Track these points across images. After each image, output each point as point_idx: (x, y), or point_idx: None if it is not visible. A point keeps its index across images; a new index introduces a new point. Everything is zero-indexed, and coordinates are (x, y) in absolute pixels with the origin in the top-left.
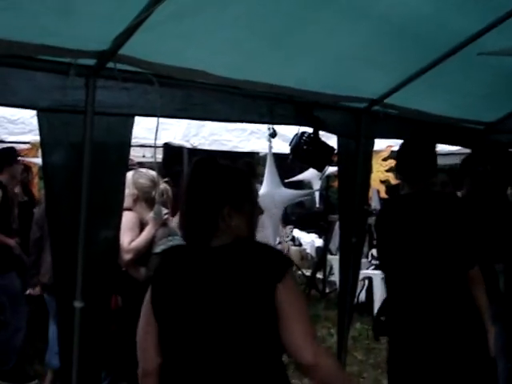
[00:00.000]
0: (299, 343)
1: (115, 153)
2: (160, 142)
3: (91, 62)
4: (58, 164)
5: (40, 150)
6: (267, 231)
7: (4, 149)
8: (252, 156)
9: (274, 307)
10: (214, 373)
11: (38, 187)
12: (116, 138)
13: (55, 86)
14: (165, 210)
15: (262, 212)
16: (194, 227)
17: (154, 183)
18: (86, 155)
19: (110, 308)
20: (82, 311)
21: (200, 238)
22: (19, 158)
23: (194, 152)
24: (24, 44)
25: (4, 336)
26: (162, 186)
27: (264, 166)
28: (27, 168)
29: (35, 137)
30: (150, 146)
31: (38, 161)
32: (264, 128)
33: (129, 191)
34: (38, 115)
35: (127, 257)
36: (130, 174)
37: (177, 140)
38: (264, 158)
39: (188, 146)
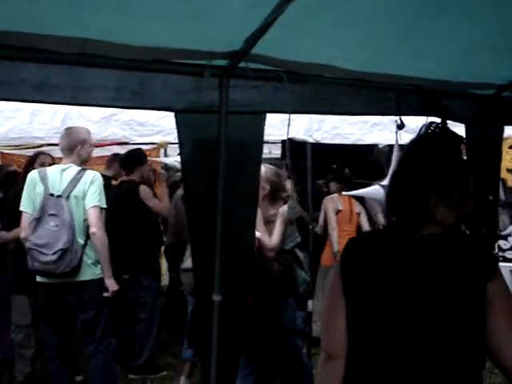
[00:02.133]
0: (501, 344)
1: (249, 149)
2: (284, 138)
3: (224, 62)
4: (194, 162)
5: (162, 150)
6: None
7: (134, 150)
8: (372, 148)
9: (484, 305)
10: (410, 368)
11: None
12: (249, 135)
13: (190, 87)
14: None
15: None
16: (400, 211)
17: (281, 179)
18: (221, 153)
19: (246, 301)
20: (220, 304)
21: (406, 223)
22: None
23: (317, 146)
24: (162, 49)
25: (142, 332)
26: (289, 186)
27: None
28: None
29: (163, 137)
30: (267, 142)
31: (161, 160)
32: (386, 120)
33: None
34: (176, 116)
35: (271, 254)
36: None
37: (300, 135)
38: (382, 150)
39: (311, 140)
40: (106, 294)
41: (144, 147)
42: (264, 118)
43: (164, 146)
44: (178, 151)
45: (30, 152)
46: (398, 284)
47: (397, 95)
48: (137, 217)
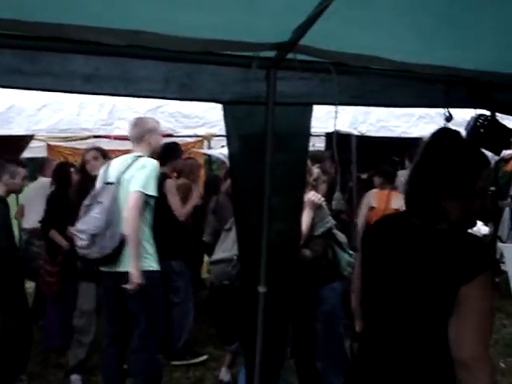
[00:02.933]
0: (463, 339)
1: (296, 141)
2: (328, 131)
3: (271, 54)
4: (241, 154)
5: (206, 142)
6: None
7: (170, 143)
8: (417, 141)
9: (453, 303)
10: (388, 338)
11: (204, 177)
12: (296, 126)
13: (238, 79)
14: (317, 195)
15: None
16: (413, 203)
17: (308, 167)
18: (267, 144)
19: (292, 293)
20: (265, 296)
21: (419, 216)
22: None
23: (362, 139)
24: (210, 40)
25: (179, 317)
26: (316, 170)
27: None
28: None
29: (208, 130)
30: (311, 135)
31: (205, 151)
32: (432, 112)
33: None
34: (223, 108)
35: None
36: None
37: (344, 128)
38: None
39: (356, 133)
40: (125, 286)
41: (188, 139)
42: (311, 110)
43: (208, 138)
44: (221, 144)
45: (77, 144)
46: (391, 264)
47: (445, 87)
48: (161, 207)
